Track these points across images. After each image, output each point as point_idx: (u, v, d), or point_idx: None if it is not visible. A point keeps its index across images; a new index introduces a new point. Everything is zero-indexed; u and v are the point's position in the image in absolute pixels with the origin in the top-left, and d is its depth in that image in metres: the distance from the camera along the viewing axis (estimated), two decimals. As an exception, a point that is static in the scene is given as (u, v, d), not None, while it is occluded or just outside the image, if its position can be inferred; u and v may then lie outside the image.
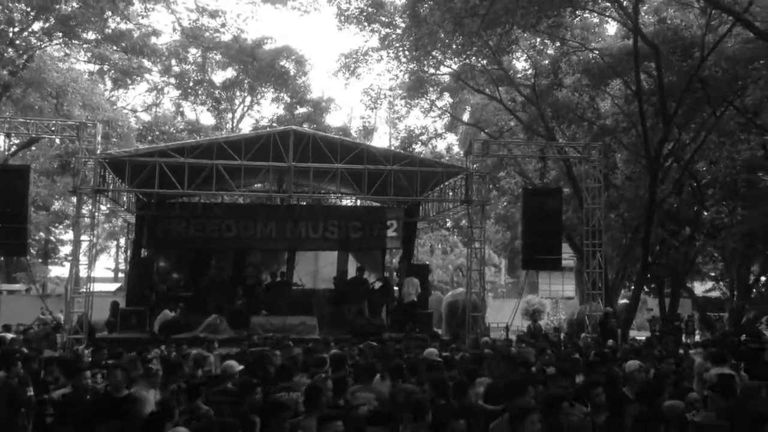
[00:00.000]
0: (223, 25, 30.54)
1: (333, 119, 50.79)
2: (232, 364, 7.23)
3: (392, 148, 25.87)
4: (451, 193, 19.03)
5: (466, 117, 29.64)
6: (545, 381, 7.13)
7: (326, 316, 17.60)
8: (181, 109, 37.50)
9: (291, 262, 19.76)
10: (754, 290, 24.51)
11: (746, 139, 21.15)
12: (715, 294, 27.76)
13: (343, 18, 23.36)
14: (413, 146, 27.75)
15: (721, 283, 26.81)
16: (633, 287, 22.83)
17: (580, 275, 21.24)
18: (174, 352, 10.91)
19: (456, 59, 23.50)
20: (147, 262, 19.16)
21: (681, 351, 14.02)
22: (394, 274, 21.54)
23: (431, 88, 26.88)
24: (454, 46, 21.63)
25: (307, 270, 20.28)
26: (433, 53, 22.60)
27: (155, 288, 18.03)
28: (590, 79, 21.22)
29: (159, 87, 36.11)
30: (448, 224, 36.33)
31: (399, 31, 22.85)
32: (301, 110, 36.83)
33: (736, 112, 19.87)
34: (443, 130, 30.52)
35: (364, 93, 27.57)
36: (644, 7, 20.28)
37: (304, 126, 29.95)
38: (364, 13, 22.96)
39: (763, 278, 24.68)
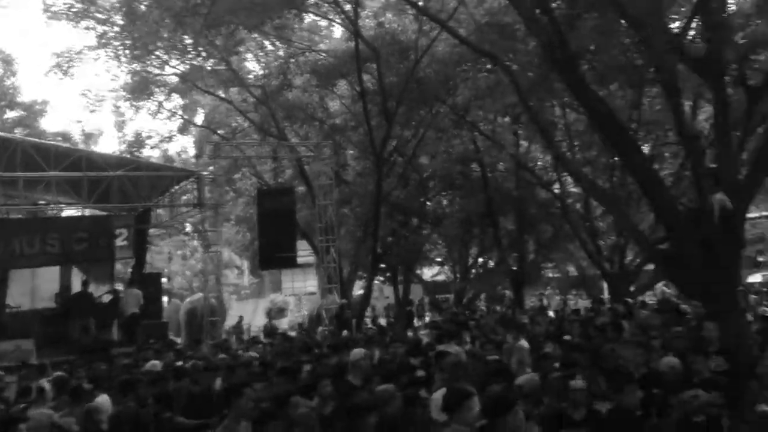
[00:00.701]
0: None
1: (52, 124, 46.49)
2: None
3: (120, 152, 24.34)
4: (183, 197, 18.47)
5: (200, 119, 28.79)
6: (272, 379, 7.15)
7: (48, 336, 16.00)
8: None
9: (3, 283, 17.62)
10: (473, 270, 26.97)
11: (459, 135, 22.92)
12: (442, 277, 29.89)
13: (50, 14, 21.13)
14: (141, 150, 26.34)
15: (445, 267, 29.03)
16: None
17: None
18: None
19: (182, 59, 22.65)
20: None
21: (411, 333, 15.07)
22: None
23: (157, 89, 25.50)
24: (179, 46, 20.88)
25: (23, 290, 18.18)
26: (156, 53, 21.57)
27: None
28: (319, 80, 21.68)
29: None
30: (188, 229, 35.15)
31: (117, 28, 21.31)
32: (11, 114, 33.03)
33: (450, 109, 21.46)
34: (175, 133, 29.36)
35: (82, 95, 25.42)
36: (364, 12, 21.08)
37: (16, 131, 27.06)
38: (74, 9, 20.94)
39: (480, 259, 27.21)
